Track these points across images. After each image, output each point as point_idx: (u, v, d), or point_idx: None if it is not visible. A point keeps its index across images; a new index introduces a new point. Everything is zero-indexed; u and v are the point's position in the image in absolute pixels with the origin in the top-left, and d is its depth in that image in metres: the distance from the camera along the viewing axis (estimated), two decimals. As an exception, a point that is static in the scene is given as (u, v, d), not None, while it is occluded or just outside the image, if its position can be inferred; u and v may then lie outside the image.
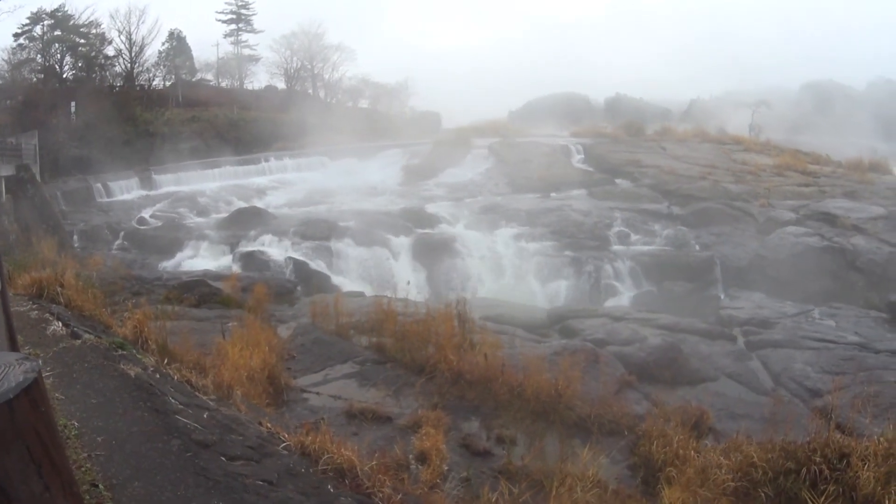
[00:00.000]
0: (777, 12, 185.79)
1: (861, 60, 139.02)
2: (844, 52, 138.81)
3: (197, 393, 9.34)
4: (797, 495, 10.26)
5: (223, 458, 7.14)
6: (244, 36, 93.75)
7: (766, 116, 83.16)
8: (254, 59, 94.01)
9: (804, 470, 10.58)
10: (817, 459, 10.61)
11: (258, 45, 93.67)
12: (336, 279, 33.46)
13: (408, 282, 27.83)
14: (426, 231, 38.50)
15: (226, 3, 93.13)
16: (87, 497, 5.71)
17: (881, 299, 30.79)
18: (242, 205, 45.35)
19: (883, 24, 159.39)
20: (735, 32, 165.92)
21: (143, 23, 77.90)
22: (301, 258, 34.53)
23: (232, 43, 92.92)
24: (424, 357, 16.09)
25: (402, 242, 36.67)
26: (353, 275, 34.47)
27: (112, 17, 77.52)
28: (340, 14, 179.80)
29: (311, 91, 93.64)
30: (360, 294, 28.78)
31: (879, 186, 46.81)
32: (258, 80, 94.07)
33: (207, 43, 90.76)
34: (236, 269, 33.00)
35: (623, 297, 32.74)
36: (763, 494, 10.55)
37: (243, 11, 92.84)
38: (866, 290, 32.81)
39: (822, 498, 9.86)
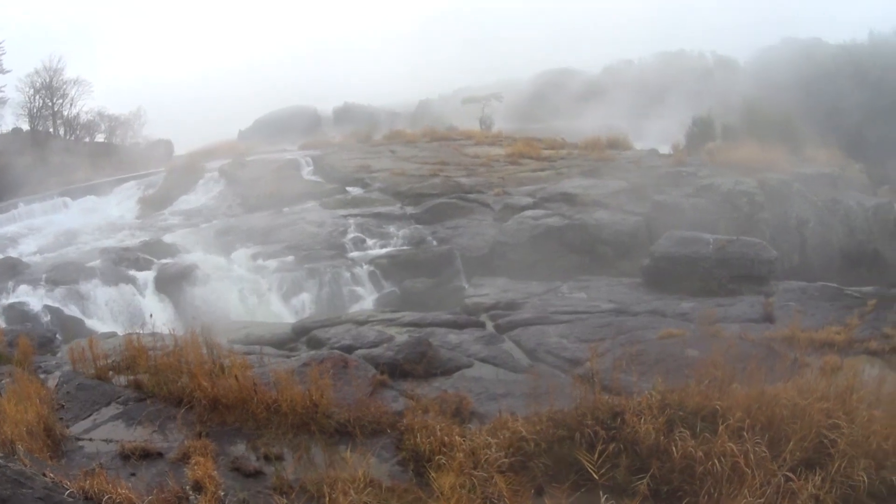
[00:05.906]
0: (507, 9, 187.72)
1: (599, 44, 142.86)
2: (580, 39, 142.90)
3: (-15, 452, 9.47)
4: (576, 459, 10.66)
5: (17, 511, 7.75)
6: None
7: (499, 109, 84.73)
8: (1, 102, 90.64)
9: (577, 434, 11.31)
10: (589, 422, 11.41)
11: (6, 87, 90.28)
12: (90, 322, 33.10)
13: (150, 315, 28.40)
14: (166, 262, 38.32)
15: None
16: None
17: (633, 265, 32.01)
18: (-1, 256, 44.46)
19: (618, 7, 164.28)
20: (466, 32, 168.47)
21: None
22: (56, 305, 34.32)
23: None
24: (180, 388, 16.06)
25: (146, 276, 36.44)
26: (104, 315, 34.00)
27: None
28: (78, 46, 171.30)
29: (52, 130, 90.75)
30: (114, 334, 28.40)
31: (621, 161, 47.93)
32: (5, 123, 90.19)
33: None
34: (1, 323, 32.79)
35: (366, 301, 33.58)
36: (541, 465, 11.11)
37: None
38: (616, 260, 34.18)
39: (601, 456, 10.18)
